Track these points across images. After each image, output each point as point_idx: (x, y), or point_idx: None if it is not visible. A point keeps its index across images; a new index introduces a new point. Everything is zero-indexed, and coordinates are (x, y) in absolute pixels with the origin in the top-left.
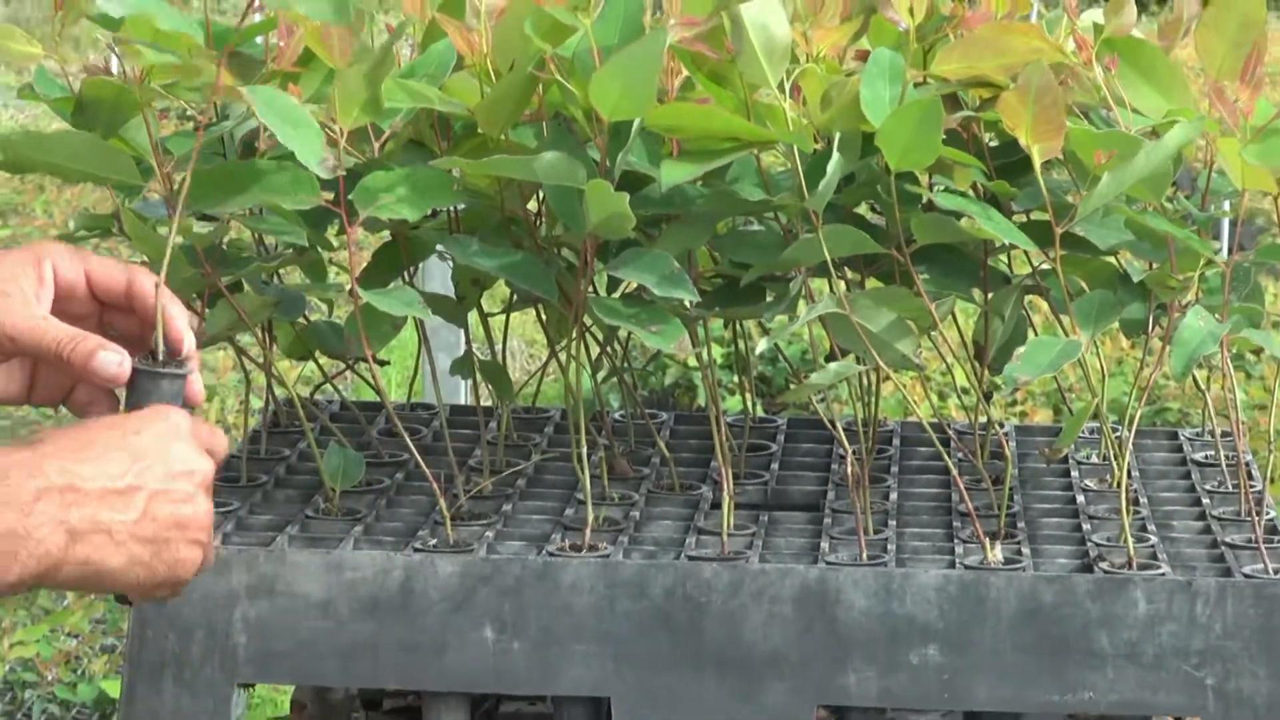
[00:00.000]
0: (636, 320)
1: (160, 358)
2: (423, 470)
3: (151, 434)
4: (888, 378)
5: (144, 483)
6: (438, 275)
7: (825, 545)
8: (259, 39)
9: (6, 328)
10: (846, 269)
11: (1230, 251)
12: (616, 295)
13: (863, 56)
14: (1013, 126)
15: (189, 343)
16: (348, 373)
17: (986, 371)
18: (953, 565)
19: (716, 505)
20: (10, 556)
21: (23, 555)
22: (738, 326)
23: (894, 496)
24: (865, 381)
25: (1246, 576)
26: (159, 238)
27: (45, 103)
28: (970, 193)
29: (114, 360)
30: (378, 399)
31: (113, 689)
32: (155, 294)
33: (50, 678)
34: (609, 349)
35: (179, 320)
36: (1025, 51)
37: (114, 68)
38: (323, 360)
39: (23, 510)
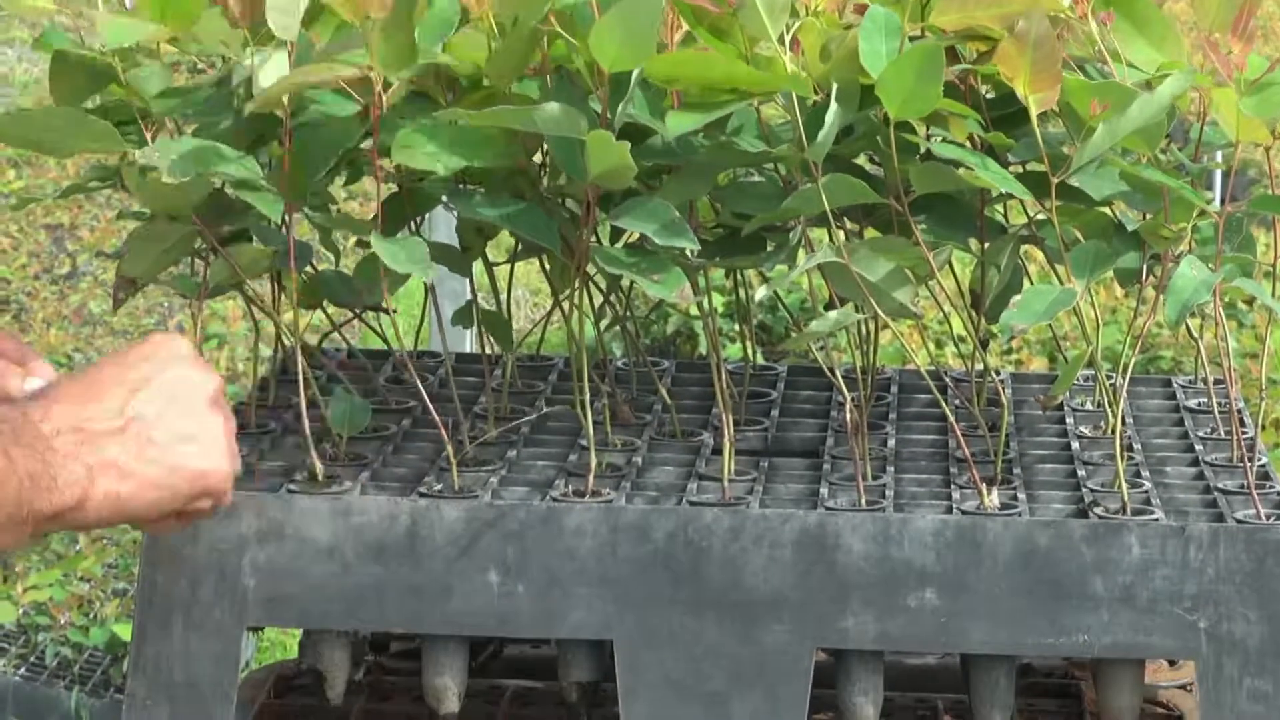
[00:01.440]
0: (639, 269)
1: None
2: (428, 417)
3: (150, 364)
4: (886, 326)
5: (141, 413)
6: (443, 225)
7: (824, 491)
8: None
9: None
10: (845, 219)
11: (1223, 202)
12: (619, 245)
13: (861, 10)
14: (1010, 76)
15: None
16: (355, 321)
17: (983, 320)
18: (950, 510)
19: (717, 451)
20: (46, 491)
21: (60, 484)
22: (738, 275)
23: (892, 443)
24: (864, 330)
25: (1239, 522)
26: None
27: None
28: (967, 144)
29: None
30: (384, 347)
31: (124, 632)
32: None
33: (63, 621)
34: (612, 298)
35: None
36: (1022, 1)
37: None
38: (330, 309)
39: (50, 448)
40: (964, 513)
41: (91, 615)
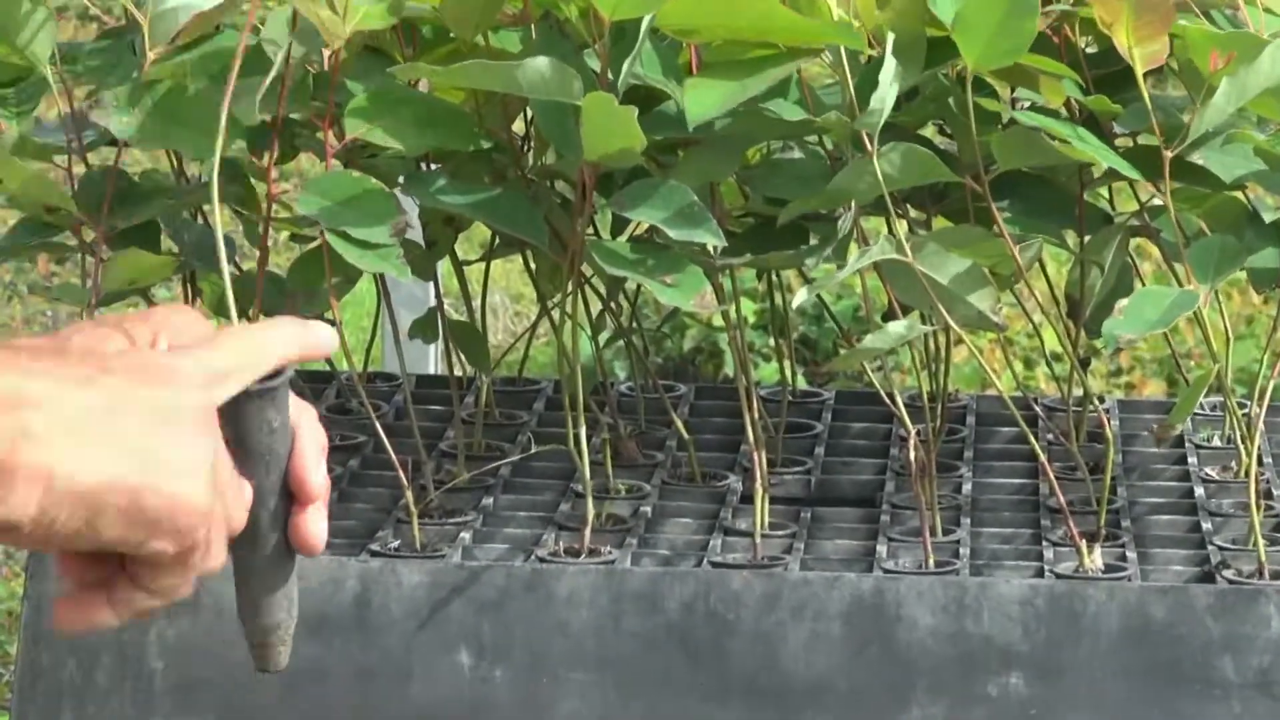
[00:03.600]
0: (647, 269)
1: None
2: (382, 456)
3: None
4: (960, 341)
5: None
6: None
7: (882, 549)
8: None
9: None
10: (908, 205)
11: None
12: (622, 238)
13: None
14: (1108, 22)
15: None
16: None
17: (1083, 332)
18: (1040, 574)
19: (747, 499)
20: None
21: None
22: (773, 277)
23: (968, 489)
24: (932, 346)
25: None
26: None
27: None
28: (1063, 110)
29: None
30: (326, 368)
31: None
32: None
33: None
34: (613, 306)
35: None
36: None
37: None
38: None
39: None
40: (1059, 576)
41: None
